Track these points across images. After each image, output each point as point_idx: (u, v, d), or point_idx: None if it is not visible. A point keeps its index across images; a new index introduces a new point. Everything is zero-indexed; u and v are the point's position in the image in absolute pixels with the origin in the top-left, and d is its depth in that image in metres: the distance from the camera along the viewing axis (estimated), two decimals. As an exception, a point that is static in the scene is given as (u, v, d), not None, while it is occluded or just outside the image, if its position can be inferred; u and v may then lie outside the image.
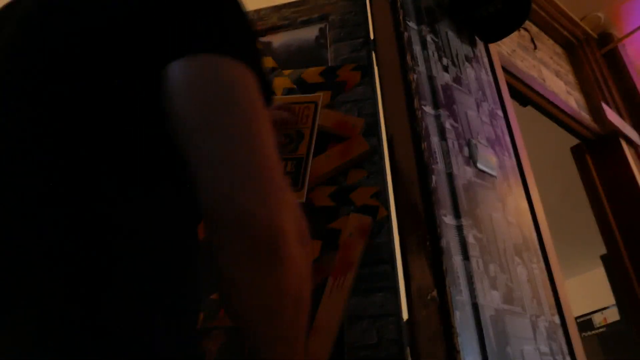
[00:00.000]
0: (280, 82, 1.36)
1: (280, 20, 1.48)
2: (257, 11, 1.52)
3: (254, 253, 0.42)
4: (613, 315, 4.53)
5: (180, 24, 0.48)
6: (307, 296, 0.47)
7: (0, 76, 0.49)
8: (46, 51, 0.48)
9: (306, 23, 1.46)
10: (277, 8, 1.51)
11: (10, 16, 0.56)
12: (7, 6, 0.59)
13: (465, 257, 1.02)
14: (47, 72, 0.47)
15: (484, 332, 0.93)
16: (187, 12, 0.49)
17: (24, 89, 0.47)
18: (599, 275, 4.15)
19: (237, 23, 0.52)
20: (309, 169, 1.16)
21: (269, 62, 1.41)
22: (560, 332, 1.13)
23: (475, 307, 0.96)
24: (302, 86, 1.33)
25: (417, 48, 1.29)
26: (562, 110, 2.03)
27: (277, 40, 1.46)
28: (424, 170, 1.10)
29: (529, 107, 1.98)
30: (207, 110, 0.43)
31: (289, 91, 1.33)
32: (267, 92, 0.51)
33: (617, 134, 2.16)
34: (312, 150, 1.19)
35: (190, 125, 0.44)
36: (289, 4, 1.51)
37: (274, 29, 1.47)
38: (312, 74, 1.34)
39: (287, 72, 1.37)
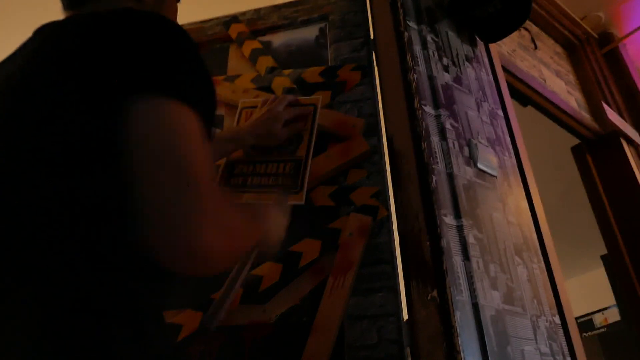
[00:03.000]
0: (280, 81, 1.35)
1: (281, 19, 1.48)
2: (257, 10, 1.52)
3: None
4: (614, 316, 4.53)
5: (139, 65, 0.57)
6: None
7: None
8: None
9: (306, 23, 1.46)
10: (277, 7, 1.51)
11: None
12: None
13: (466, 257, 1.01)
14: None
15: (484, 332, 0.93)
16: (146, 54, 0.58)
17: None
18: (599, 275, 4.14)
19: (189, 65, 0.62)
20: (307, 172, 1.16)
21: (268, 61, 1.41)
22: (560, 333, 1.13)
23: (475, 307, 0.96)
24: (302, 86, 1.33)
25: (417, 48, 1.29)
26: (562, 110, 2.02)
27: (277, 39, 1.46)
28: (424, 170, 1.09)
29: (529, 107, 1.97)
30: (151, 153, 0.53)
31: (288, 91, 1.33)
32: (209, 125, 0.62)
33: (618, 133, 2.15)
34: (311, 153, 1.19)
35: (138, 160, 0.53)
36: (289, 3, 1.51)
37: (274, 29, 1.47)
38: (312, 73, 1.34)
39: (287, 71, 1.37)
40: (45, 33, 0.69)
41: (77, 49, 0.59)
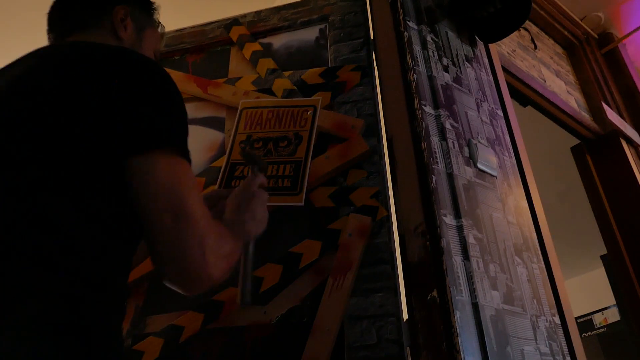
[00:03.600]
0: (281, 83, 1.36)
1: (281, 21, 1.48)
2: (258, 13, 1.52)
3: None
4: (613, 316, 4.52)
5: (136, 119, 0.65)
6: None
7: None
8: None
9: (306, 24, 1.47)
10: (278, 9, 1.51)
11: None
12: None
13: (466, 257, 1.02)
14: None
15: (484, 332, 0.93)
16: (139, 107, 0.66)
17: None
18: (599, 275, 4.15)
19: (177, 111, 0.71)
20: (307, 173, 1.17)
21: (269, 63, 1.41)
22: (560, 332, 1.13)
23: (475, 307, 0.96)
24: (302, 87, 1.33)
25: (417, 48, 1.29)
26: (562, 110, 2.03)
27: (278, 41, 1.46)
28: (424, 170, 1.10)
29: (529, 107, 1.98)
30: (164, 206, 0.64)
31: (289, 92, 1.34)
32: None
33: (618, 133, 2.15)
34: (310, 154, 1.20)
35: (149, 209, 0.64)
36: (289, 5, 1.51)
37: (274, 30, 1.48)
38: (312, 74, 1.35)
39: (287, 73, 1.37)
40: (45, 56, 0.73)
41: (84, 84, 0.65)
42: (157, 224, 0.62)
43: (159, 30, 0.96)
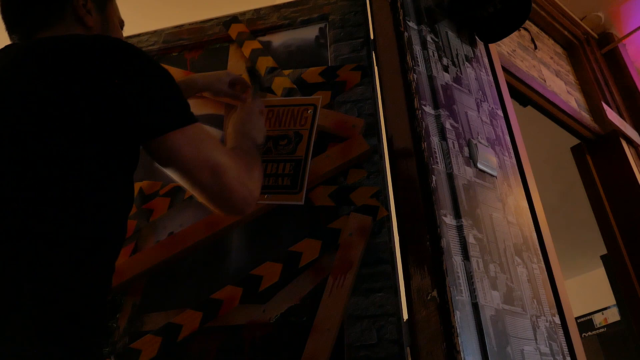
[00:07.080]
0: (280, 82, 1.35)
1: (280, 19, 1.48)
2: (257, 10, 1.52)
3: None
4: (613, 316, 4.52)
5: (147, 110, 0.71)
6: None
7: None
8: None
9: (306, 23, 1.46)
10: (277, 7, 1.51)
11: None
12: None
13: (466, 257, 1.01)
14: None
15: (484, 332, 0.93)
16: (144, 97, 0.71)
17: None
18: (599, 275, 4.15)
19: (174, 89, 0.76)
20: (307, 171, 1.16)
21: (269, 61, 1.41)
22: (560, 333, 1.13)
23: (475, 307, 0.96)
24: (302, 86, 1.33)
25: (417, 48, 1.29)
26: (562, 110, 2.02)
27: (277, 39, 1.46)
28: (424, 170, 1.09)
29: (529, 107, 1.98)
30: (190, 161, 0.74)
31: (289, 91, 1.33)
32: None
33: (618, 133, 2.15)
34: (310, 153, 1.19)
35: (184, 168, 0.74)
36: (289, 3, 1.51)
37: (274, 29, 1.47)
38: (312, 73, 1.34)
39: (287, 72, 1.37)
40: (13, 55, 0.73)
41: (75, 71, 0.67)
42: (200, 183, 0.73)
43: None
